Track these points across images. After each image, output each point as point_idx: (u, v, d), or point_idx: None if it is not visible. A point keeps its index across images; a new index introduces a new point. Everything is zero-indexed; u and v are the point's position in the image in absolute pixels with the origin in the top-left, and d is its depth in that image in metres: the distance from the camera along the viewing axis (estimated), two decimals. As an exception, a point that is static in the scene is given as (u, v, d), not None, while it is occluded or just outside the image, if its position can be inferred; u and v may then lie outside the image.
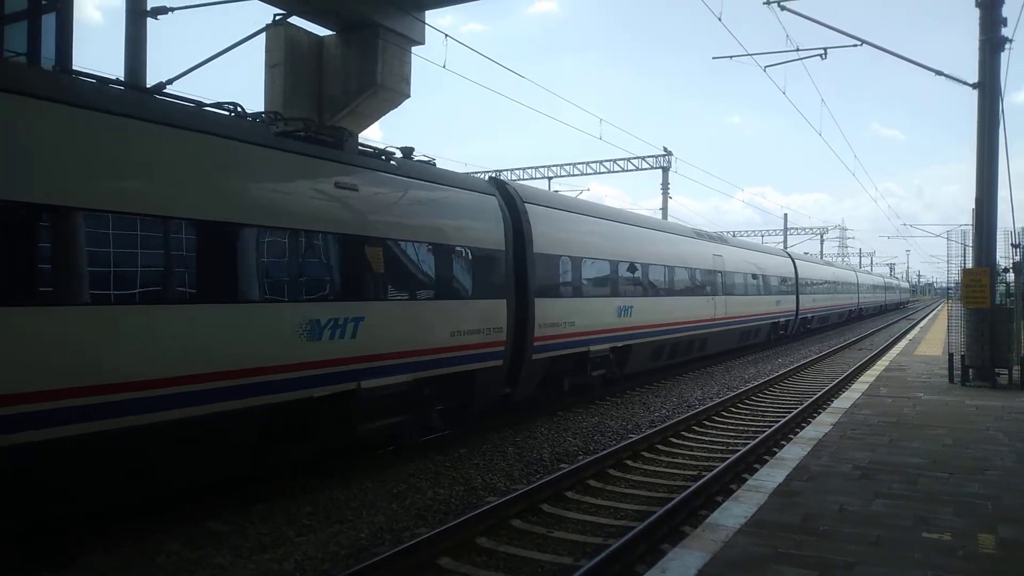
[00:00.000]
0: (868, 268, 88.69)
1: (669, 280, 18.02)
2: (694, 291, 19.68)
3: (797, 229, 66.97)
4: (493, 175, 34.93)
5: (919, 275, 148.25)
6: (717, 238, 23.84)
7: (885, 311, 66.29)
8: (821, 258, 56.22)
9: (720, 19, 14.86)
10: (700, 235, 22.09)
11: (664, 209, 35.49)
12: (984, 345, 13.40)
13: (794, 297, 30.50)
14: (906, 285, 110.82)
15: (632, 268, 16.00)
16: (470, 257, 10.66)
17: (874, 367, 17.45)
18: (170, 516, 7.11)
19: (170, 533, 6.76)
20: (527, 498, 7.79)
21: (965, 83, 13.87)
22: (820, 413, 11.66)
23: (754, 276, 25.19)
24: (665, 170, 35.54)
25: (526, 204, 12.37)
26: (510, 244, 11.58)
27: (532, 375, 12.28)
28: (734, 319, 22.45)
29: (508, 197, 12.09)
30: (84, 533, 6.60)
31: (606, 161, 37.65)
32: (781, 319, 28.67)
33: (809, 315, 33.30)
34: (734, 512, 5.83)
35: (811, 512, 5.86)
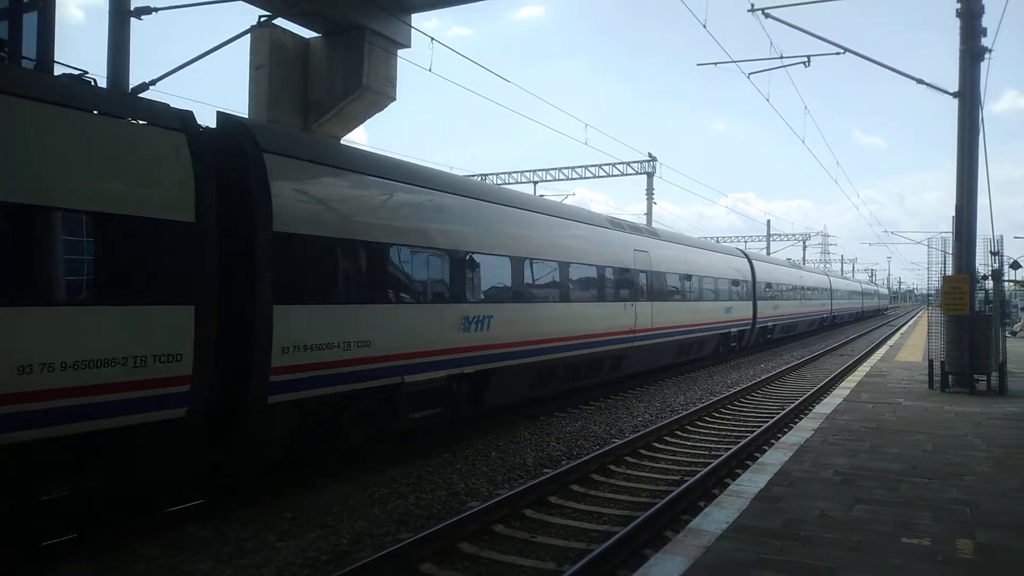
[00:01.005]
0: (849, 274, 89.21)
1: (561, 280, 13.84)
2: (603, 295, 15.48)
3: (780, 235, 67.72)
4: (481, 177, 34.99)
5: (900, 282, 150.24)
6: (644, 230, 19.47)
7: (863, 318, 65.72)
8: (803, 263, 56.37)
9: (705, 26, 14.95)
10: (617, 225, 17.69)
11: (648, 214, 35.69)
12: (963, 351, 13.56)
13: (750, 303, 26.73)
14: (885, 291, 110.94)
15: (491, 264, 11.78)
16: (90, 229, 6.33)
17: (855, 373, 17.62)
18: (156, 521, 7.04)
19: (152, 538, 6.70)
20: (510, 503, 7.77)
21: (946, 92, 14.04)
22: (802, 418, 11.73)
23: (695, 278, 21.28)
24: (650, 175, 35.72)
25: (266, 154, 7.98)
26: (212, 213, 7.18)
27: (270, 428, 8.01)
28: (665, 330, 18.44)
29: (228, 140, 7.98)
30: (80, 534, 6.56)
31: (591, 166, 37.69)
32: (733, 329, 24.68)
33: (769, 323, 29.62)
34: (716, 517, 5.86)
35: (793, 517, 5.90)
